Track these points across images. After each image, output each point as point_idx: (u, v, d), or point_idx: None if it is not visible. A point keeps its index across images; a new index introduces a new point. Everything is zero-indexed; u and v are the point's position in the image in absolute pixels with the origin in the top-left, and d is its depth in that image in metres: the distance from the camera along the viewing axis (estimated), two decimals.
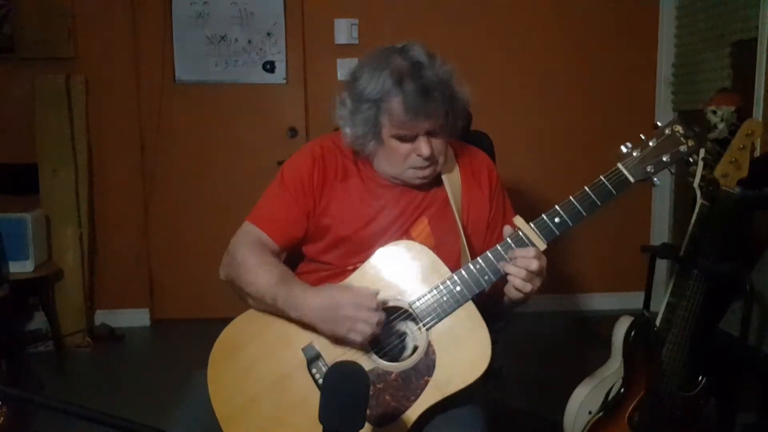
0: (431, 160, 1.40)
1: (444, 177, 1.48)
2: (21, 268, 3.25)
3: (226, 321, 1.40)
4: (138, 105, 3.79)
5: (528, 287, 1.28)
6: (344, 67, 3.73)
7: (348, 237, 1.44)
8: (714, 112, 2.87)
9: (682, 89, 3.83)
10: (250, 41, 3.83)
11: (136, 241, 3.84)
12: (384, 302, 1.33)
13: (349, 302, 1.27)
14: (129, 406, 2.71)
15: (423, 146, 1.38)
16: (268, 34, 3.83)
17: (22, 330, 3.62)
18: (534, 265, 1.27)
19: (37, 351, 3.46)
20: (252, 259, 1.39)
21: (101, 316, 3.82)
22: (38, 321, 3.64)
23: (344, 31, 3.79)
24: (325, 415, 0.92)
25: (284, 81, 3.87)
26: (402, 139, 1.39)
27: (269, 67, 3.85)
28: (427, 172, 1.42)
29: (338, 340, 1.31)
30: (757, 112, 2.98)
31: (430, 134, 1.38)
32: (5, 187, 3.65)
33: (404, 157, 1.40)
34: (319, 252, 1.47)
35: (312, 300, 1.30)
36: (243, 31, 3.82)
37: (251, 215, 1.48)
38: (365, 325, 1.26)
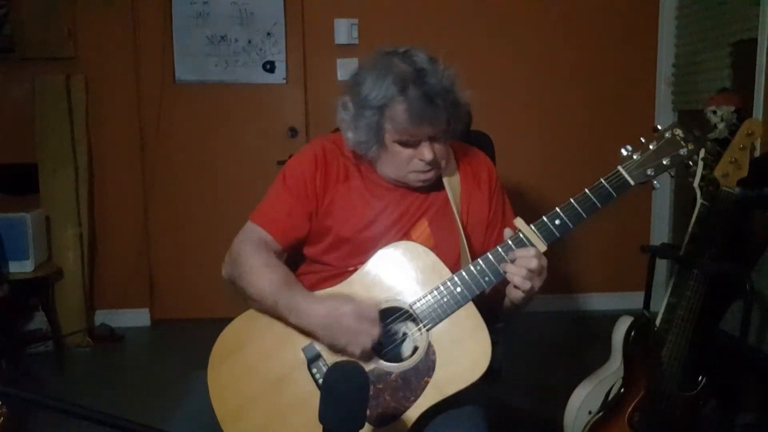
0: (433, 164, 1.41)
1: (444, 178, 1.48)
2: (21, 268, 3.26)
3: (226, 321, 1.40)
4: (138, 105, 3.79)
5: (527, 285, 1.28)
6: (344, 67, 3.73)
7: (348, 238, 1.44)
8: (714, 112, 2.87)
9: (682, 89, 3.83)
10: (250, 41, 3.83)
11: (136, 241, 3.84)
12: (384, 302, 1.33)
13: (351, 312, 1.27)
14: (129, 406, 2.71)
15: (426, 151, 1.38)
16: (268, 34, 3.83)
17: (22, 330, 3.62)
18: (533, 263, 1.27)
19: (37, 351, 3.45)
20: (255, 260, 1.38)
21: (101, 316, 3.82)
22: (38, 321, 3.64)
23: (344, 31, 3.78)
24: (325, 414, 0.92)
25: (284, 81, 3.87)
26: (405, 144, 1.39)
27: (269, 67, 3.85)
28: (429, 175, 1.43)
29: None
30: (757, 112, 2.98)
31: (432, 139, 1.39)
32: (5, 187, 3.65)
33: (407, 162, 1.41)
34: (319, 253, 1.47)
35: (313, 307, 1.30)
36: (243, 31, 3.82)
37: (254, 215, 1.47)
38: (366, 337, 1.27)
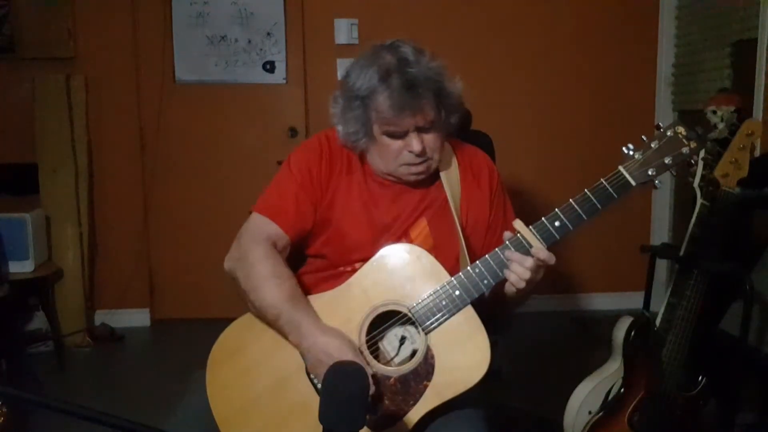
0: (423, 156, 1.39)
1: (443, 176, 1.47)
2: (21, 268, 3.25)
3: (226, 321, 1.40)
4: (138, 105, 3.79)
5: (522, 284, 1.29)
6: (344, 67, 3.71)
7: (348, 233, 1.43)
8: (714, 112, 2.87)
9: (682, 89, 3.83)
10: (250, 41, 3.83)
11: (136, 241, 3.84)
12: (383, 305, 1.33)
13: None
14: (129, 406, 2.71)
15: (414, 142, 1.37)
16: (268, 34, 3.83)
17: (22, 330, 3.62)
18: (528, 262, 1.28)
19: (37, 351, 3.45)
20: (264, 267, 1.36)
21: (101, 316, 3.83)
22: (38, 321, 3.64)
23: (344, 31, 3.79)
24: (324, 414, 0.92)
25: (284, 81, 3.87)
26: (392, 135, 1.38)
27: (269, 67, 3.85)
28: (420, 168, 1.41)
29: None
30: (757, 112, 2.98)
31: (420, 130, 1.38)
32: (5, 187, 3.65)
33: (396, 154, 1.40)
34: (319, 246, 1.46)
35: (317, 337, 1.28)
36: (243, 31, 3.82)
37: (260, 206, 1.45)
38: None
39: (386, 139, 1.39)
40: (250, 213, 1.46)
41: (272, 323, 1.33)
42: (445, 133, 1.44)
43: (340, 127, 1.43)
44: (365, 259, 1.37)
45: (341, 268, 1.43)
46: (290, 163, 1.47)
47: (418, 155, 1.38)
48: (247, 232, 1.43)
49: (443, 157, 1.46)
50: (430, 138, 1.39)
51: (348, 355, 1.26)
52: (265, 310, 1.33)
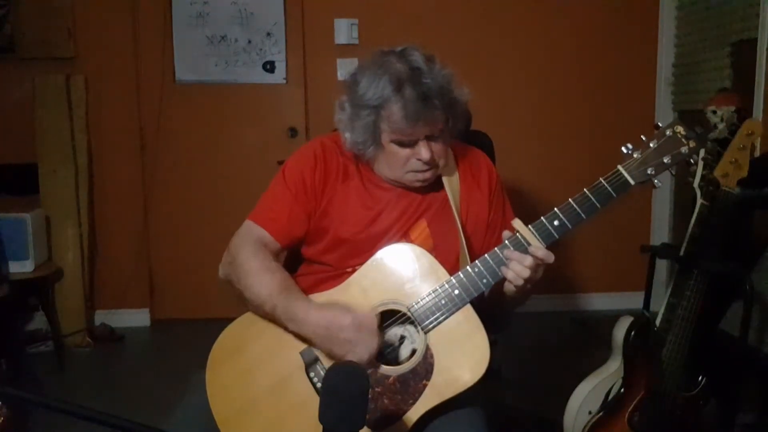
0: (431, 163, 1.40)
1: (443, 178, 1.48)
2: (21, 268, 3.25)
3: (226, 321, 1.40)
4: (138, 105, 3.79)
5: (520, 281, 1.29)
6: (344, 67, 3.73)
7: (347, 239, 1.43)
8: (714, 112, 2.87)
9: (682, 89, 3.83)
10: (250, 41, 3.83)
11: (136, 241, 3.84)
12: (382, 305, 1.33)
13: (351, 324, 1.27)
14: (129, 406, 2.71)
15: (423, 151, 1.37)
16: (268, 34, 3.83)
17: (22, 330, 3.62)
18: (528, 261, 1.28)
19: (37, 351, 3.46)
20: (254, 263, 1.38)
21: (101, 316, 3.82)
22: (38, 321, 3.64)
23: (344, 31, 3.79)
24: (325, 414, 0.92)
25: (284, 81, 3.87)
26: (402, 144, 1.38)
27: (269, 67, 3.85)
28: (427, 175, 1.42)
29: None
30: (757, 112, 2.98)
31: (430, 138, 1.38)
32: (5, 187, 3.65)
33: (404, 162, 1.40)
34: (318, 253, 1.47)
35: (311, 317, 1.29)
36: (243, 31, 3.82)
37: (252, 214, 1.47)
38: (364, 349, 1.26)
39: (395, 147, 1.39)
40: None
41: (270, 315, 1.34)
42: (449, 139, 1.45)
43: (347, 134, 1.42)
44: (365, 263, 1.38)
45: (341, 271, 1.43)
46: (284, 172, 1.48)
47: (426, 163, 1.38)
48: (237, 237, 1.44)
49: None
50: (438, 146, 1.40)
51: (346, 320, 1.27)
52: (262, 304, 1.34)
